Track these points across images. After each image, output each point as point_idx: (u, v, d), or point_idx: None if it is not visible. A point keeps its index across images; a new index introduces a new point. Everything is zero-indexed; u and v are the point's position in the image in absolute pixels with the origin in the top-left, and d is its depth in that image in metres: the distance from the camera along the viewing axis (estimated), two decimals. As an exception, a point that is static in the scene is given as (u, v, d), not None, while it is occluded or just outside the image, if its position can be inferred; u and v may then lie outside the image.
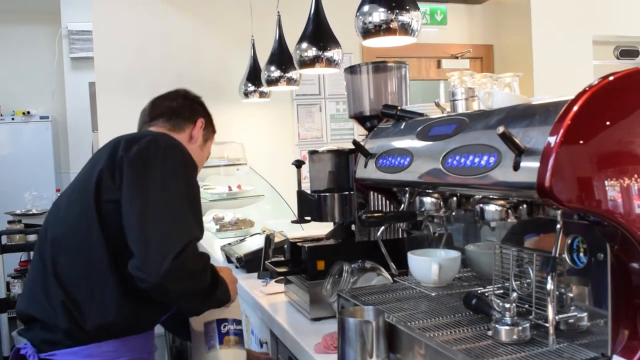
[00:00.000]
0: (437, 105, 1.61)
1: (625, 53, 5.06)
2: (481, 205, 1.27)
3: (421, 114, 1.69)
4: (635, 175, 1.07)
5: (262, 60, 3.35)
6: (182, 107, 1.98)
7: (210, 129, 2.02)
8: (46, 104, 6.30)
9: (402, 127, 1.67)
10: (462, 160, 1.26)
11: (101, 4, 3.91)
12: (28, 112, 6.11)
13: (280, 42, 3.19)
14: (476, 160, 1.22)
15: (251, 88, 3.61)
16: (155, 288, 1.45)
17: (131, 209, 1.52)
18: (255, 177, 3.77)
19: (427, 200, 1.47)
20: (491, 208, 1.25)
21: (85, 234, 1.57)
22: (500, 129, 1.08)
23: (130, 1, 3.97)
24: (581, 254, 1.21)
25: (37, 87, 6.34)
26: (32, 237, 3.91)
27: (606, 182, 1.05)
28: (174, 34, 4.04)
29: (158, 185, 1.55)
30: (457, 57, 4.76)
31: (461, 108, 1.53)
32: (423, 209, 1.48)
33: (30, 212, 4.18)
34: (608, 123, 1.07)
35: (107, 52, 3.92)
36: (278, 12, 3.25)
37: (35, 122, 6.10)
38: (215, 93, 4.06)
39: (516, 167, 1.10)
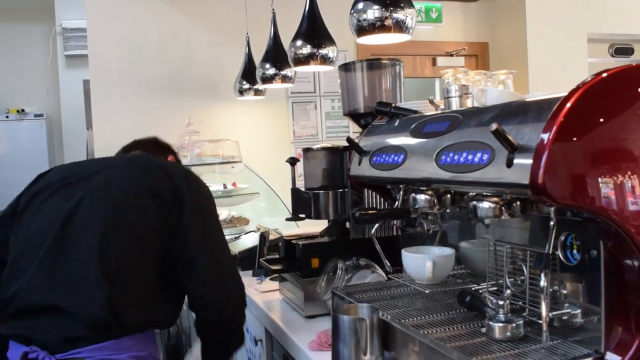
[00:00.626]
0: (431, 102, 1.61)
1: (620, 51, 5.07)
2: (475, 202, 1.27)
3: (415, 111, 1.69)
4: (629, 172, 1.07)
5: (257, 58, 3.34)
6: (152, 146, 2.26)
7: None
8: (40, 101, 6.27)
9: (396, 124, 1.67)
10: (456, 157, 1.26)
11: (96, 2, 3.89)
12: (22, 110, 6.09)
13: (275, 40, 3.18)
14: (470, 157, 1.22)
15: (246, 86, 3.60)
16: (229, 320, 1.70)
17: (203, 249, 1.64)
18: (250, 175, 3.76)
19: (421, 197, 1.46)
20: (485, 205, 1.24)
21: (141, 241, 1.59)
22: (494, 126, 1.08)
23: (125, -1, 3.96)
24: (574, 251, 1.21)
25: (32, 85, 6.32)
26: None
27: (599, 179, 1.05)
28: (168, 32, 4.03)
29: (218, 229, 1.73)
30: (452, 55, 4.76)
31: (455, 105, 1.53)
32: (417, 206, 1.48)
33: (25, 210, 4.17)
34: (601, 120, 1.07)
35: (102, 50, 3.91)
36: (273, 9, 3.23)
37: (29, 120, 6.07)
38: (210, 91, 4.06)
39: (509, 164, 1.10)
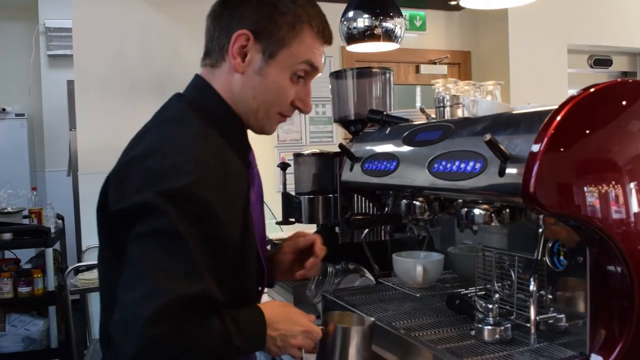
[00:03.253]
0: (422, 111, 1.65)
1: (599, 62, 5.17)
2: (466, 209, 1.31)
3: (406, 120, 1.73)
4: (613, 182, 1.12)
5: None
6: (216, 25, 1.24)
7: (279, 34, 1.17)
8: (22, 101, 6.21)
9: (387, 132, 1.71)
10: (449, 165, 1.31)
11: (81, 2, 3.89)
12: (3, 110, 6.03)
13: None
14: (462, 165, 1.26)
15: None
16: None
17: None
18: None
19: (415, 204, 1.50)
20: (475, 212, 1.29)
21: None
22: (487, 136, 1.13)
23: None
24: (561, 257, 1.26)
25: (13, 85, 6.25)
26: (7, 236, 3.87)
27: (586, 189, 1.10)
28: (154, 33, 4.03)
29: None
30: (435, 63, 4.82)
31: (446, 115, 1.58)
32: (409, 212, 1.52)
33: (5, 211, 4.12)
34: (588, 132, 1.12)
35: (87, 50, 3.89)
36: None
37: (10, 120, 6.01)
38: (195, 94, 4.06)
39: (502, 173, 1.15)
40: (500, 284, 1.39)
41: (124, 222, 1.01)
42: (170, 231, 0.97)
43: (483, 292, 1.46)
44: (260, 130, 1.26)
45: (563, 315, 1.25)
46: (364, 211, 1.96)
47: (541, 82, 4.51)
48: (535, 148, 1.08)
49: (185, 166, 1.02)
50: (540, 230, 1.22)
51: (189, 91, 1.26)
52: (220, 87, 1.21)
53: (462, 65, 4.91)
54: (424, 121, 1.60)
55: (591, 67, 5.14)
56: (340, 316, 1.33)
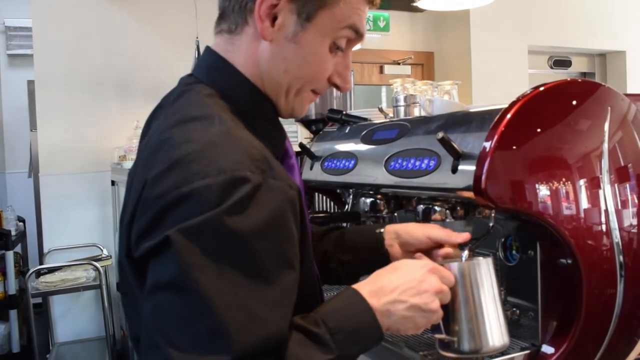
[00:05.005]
0: (381, 110, 1.67)
1: (559, 63, 5.28)
2: (422, 206, 1.34)
3: (365, 119, 1.75)
4: (563, 179, 1.16)
5: (208, 62, 3.36)
6: None
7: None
8: (-19, 101, 6.10)
9: (347, 131, 1.72)
10: (404, 163, 1.33)
11: (41, 0, 3.83)
12: (-39, 110, 5.91)
13: (226, 45, 3.21)
14: (417, 163, 1.29)
15: (196, 89, 3.61)
16: None
17: None
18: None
19: (371, 201, 1.53)
20: (430, 209, 1.31)
21: None
22: (440, 135, 1.15)
23: (72, -1, 3.91)
24: (514, 252, 1.29)
25: (-28, 84, 6.13)
26: (-33, 239, 3.81)
27: (537, 185, 1.13)
28: (116, 33, 4.00)
29: None
30: (399, 63, 4.87)
31: (403, 114, 1.60)
32: (367, 210, 1.54)
33: (-35, 213, 4.06)
34: (539, 130, 1.15)
35: (48, 50, 3.84)
36: (224, 14, 3.26)
37: (-32, 120, 5.90)
38: (158, 94, 3.95)
39: (454, 170, 1.17)
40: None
41: (145, 267, 0.80)
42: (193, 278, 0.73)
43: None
44: (289, 114, 1.01)
45: (516, 309, 1.28)
46: (325, 209, 1.97)
47: (503, 82, 4.59)
48: (486, 145, 1.11)
49: (223, 188, 0.76)
50: (491, 224, 1.24)
51: (203, 73, 0.99)
52: (244, 62, 0.96)
53: (425, 65, 4.97)
54: (382, 120, 1.62)
55: (551, 67, 5.25)
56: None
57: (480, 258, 1.06)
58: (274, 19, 0.92)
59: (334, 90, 2.12)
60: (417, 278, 0.93)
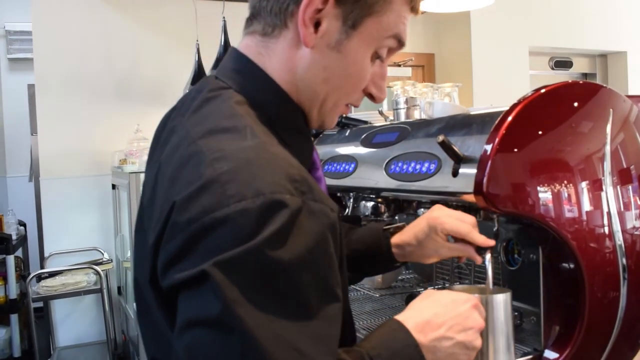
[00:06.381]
0: (381, 113, 1.67)
1: (560, 64, 5.27)
2: (422, 209, 1.33)
3: (365, 122, 1.74)
4: (565, 182, 1.15)
5: (207, 65, 3.35)
6: None
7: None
8: (-19, 105, 6.10)
9: (347, 134, 1.72)
10: (405, 166, 1.32)
11: (41, 4, 3.83)
12: (-38, 114, 5.91)
13: (226, 47, 3.20)
14: (418, 166, 1.28)
15: (196, 93, 3.60)
16: None
17: None
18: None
19: (371, 204, 1.52)
20: (432, 212, 1.31)
21: None
22: (440, 138, 1.14)
23: (72, 2, 3.90)
24: (516, 255, 1.28)
25: (-28, 89, 6.13)
26: (-33, 243, 3.80)
27: (538, 188, 1.12)
28: (116, 37, 3.99)
29: None
30: (399, 65, 4.86)
31: (403, 116, 1.59)
32: (367, 213, 1.54)
33: (-35, 217, 4.05)
34: (540, 133, 1.14)
35: (48, 54, 3.83)
36: (223, 17, 3.26)
37: (-31, 125, 5.90)
38: (158, 97, 4.03)
39: (455, 173, 1.16)
40: (458, 282, 1.41)
41: (173, 297, 0.74)
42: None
43: (441, 292, 1.47)
44: (319, 125, 0.94)
45: (518, 313, 1.27)
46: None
47: (503, 83, 4.58)
48: (488, 148, 1.10)
49: (260, 213, 0.69)
50: (495, 229, 1.23)
51: (231, 77, 0.90)
52: (277, 67, 0.88)
53: (426, 67, 4.96)
54: (383, 123, 1.61)
55: (552, 68, 5.24)
56: (466, 290, 1.10)
57: (507, 291, 1.06)
58: (316, 25, 0.85)
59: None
60: (463, 314, 0.91)
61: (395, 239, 1.21)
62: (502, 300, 1.03)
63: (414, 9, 0.93)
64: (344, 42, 0.86)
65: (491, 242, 1.11)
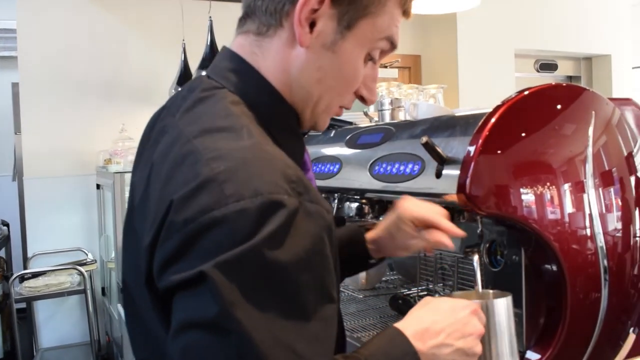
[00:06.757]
0: (366, 114, 1.67)
1: (545, 66, 5.30)
2: (406, 210, 1.33)
3: (350, 123, 1.74)
4: (548, 184, 1.15)
5: (193, 65, 3.34)
6: None
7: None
8: (-36, 104, 6.03)
9: (332, 135, 1.72)
10: (389, 167, 1.32)
11: (26, 2, 3.79)
12: (-56, 113, 5.84)
13: (212, 47, 3.20)
14: (402, 168, 1.28)
15: (182, 92, 3.59)
16: None
17: None
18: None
19: (355, 205, 1.52)
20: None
21: None
22: (424, 139, 1.15)
23: (57, 0, 3.87)
24: (498, 257, 1.28)
25: (-45, 87, 6.07)
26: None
27: (521, 190, 1.13)
28: (102, 36, 3.96)
29: None
30: (386, 67, 4.86)
31: (388, 118, 1.60)
32: (352, 214, 1.53)
33: (-52, 217, 4.02)
34: (523, 134, 1.15)
35: (32, 52, 3.80)
36: (210, 17, 3.26)
37: (-49, 123, 5.83)
38: (144, 96, 4.01)
39: (438, 175, 1.17)
40: (441, 284, 1.42)
41: (169, 298, 0.73)
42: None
43: (425, 292, 1.48)
44: (311, 126, 0.95)
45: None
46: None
47: (489, 85, 4.60)
48: (471, 150, 1.10)
49: (259, 213, 0.69)
50: (478, 230, 1.24)
51: (224, 77, 0.89)
52: (271, 67, 0.88)
53: (412, 68, 4.98)
54: (367, 124, 1.61)
55: (537, 71, 5.27)
56: (466, 296, 1.09)
57: (507, 294, 1.05)
58: (311, 25, 0.85)
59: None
60: (461, 320, 0.91)
61: (370, 234, 1.20)
62: (502, 305, 1.03)
63: (406, 12, 0.93)
64: (339, 42, 0.86)
65: (459, 232, 1.08)
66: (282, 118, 0.89)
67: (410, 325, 0.88)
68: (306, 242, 0.71)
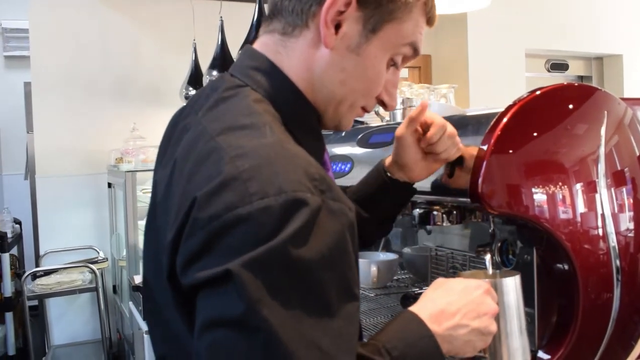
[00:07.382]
0: (377, 114, 1.67)
1: (556, 66, 5.28)
2: (418, 210, 1.33)
3: (361, 122, 1.75)
4: (560, 183, 1.15)
5: (204, 65, 3.35)
6: None
7: (389, 4, 0.89)
8: (-23, 103, 6.08)
9: (343, 134, 1.72)
10: (401, 167, 1.32)
11: (38, 2, 3.82)
12: (-43, 112, 5.89)
13: (223, 47, 3.21)
14: (414, 167, 1.28)
15: (192, 92, 3.60)
16: None
17: None
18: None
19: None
20: (426, 213, 1.31)
21: None
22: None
23: (69, 0, 3.90)
24: (510, 256, 1.28)
25: (-32, 86, 6.11)
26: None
27: (533, 189, 1.13)
28: (113, 36, 3.99)
29: None
30: (396, 66, 4.87)
31: (400, 117, 1.60)
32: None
33: (-39, 215, 4.05)
34: (535, 134, 1.15)
35: (44, 51, 3.83)
36: (221, 17, 3.26)
37: (-35, 122, 5.88)
38: (155, 96, 4.03)
39: (451, 174, 1.17)
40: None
41: (193, 295, 0.73)
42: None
43: (436, 292, 1.48)
44: (334, 126, 0.96)
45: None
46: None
47: (500, 85, 4.59)
48: (483, 149, 1.11)
49: (283, 210, 0.69)
50: (490, 230, 1.24)
51: (248, 76, 0.90)
52: (295, 67, 0.89)
53: (422, 68, 4.97)
54: (379, 124, 1.62)
55: (548, 71, 5.25)
56: (474, 275, 1.11)
57: (516, 273, 1.06)
58: (337, 27, 0.86)
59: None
60: (475, 300, 0.92)
61: (387, 161, 1.23)
62: (512, 283, 1.04)
63: (430, 20, 0.96)
64: (363, 45, 0.88)
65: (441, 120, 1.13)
66: (304, 117, 0.90)
67: (425, 307, 0.89)
68: (329, 240, 0.72)
